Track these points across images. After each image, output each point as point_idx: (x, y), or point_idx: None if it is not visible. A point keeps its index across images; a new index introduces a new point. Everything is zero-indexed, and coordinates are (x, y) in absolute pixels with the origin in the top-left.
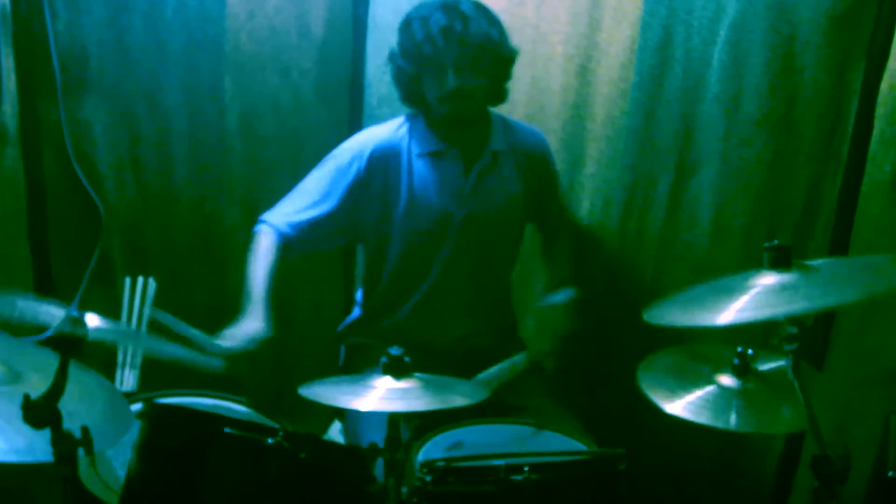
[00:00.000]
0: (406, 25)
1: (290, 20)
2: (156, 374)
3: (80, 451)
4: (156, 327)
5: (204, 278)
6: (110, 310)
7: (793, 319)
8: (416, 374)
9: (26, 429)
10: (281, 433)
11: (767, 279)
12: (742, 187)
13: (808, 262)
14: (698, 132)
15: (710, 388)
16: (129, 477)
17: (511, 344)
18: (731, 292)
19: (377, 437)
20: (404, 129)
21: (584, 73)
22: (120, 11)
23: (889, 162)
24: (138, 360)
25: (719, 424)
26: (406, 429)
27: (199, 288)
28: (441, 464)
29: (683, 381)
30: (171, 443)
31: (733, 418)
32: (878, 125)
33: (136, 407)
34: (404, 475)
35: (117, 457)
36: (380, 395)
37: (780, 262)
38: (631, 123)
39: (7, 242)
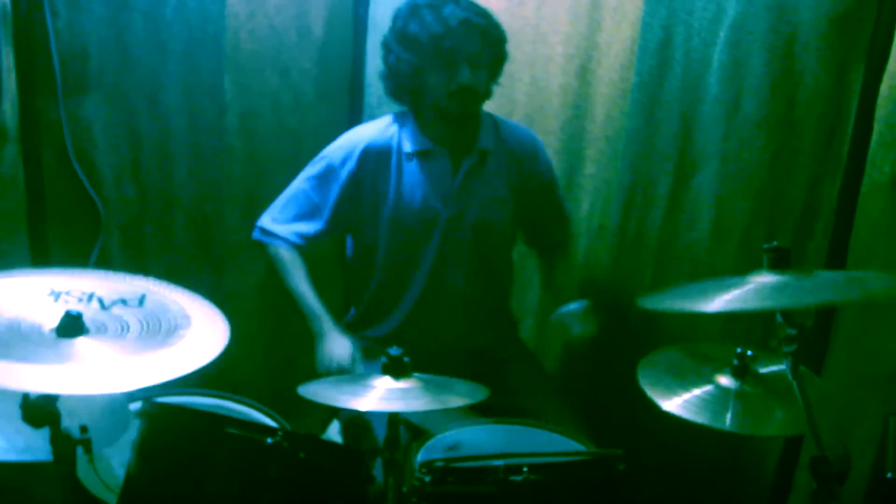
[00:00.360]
0: (412, 14)
1: (290, 20)
2: None
3: (79, 450)
4: None
5: (203, 277)
6: None
7: (792, 321)
8: (415, 374)
9: (26, 428)
10: (280, 433)
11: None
12: (742, 188)
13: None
14: (698, 133)
15: (707, 388)
16: (129, 476)
17: (510, 344)
18: (726, 287)
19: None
20: (394, 127)
21: (584, 73)
22: (120, 10)
23: (888, 163)
24: None
25: (715, 424)
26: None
27: (198, 287)
28: (440, 464)
29: (683, 380)
30: (171, 442)
31: (729, 419)
32: (878, 126)
33: (136, 406)
34: (403, 475)
35: (116, 456)
36: (379, 395)
37: (779, 262)
38: (631, 124)
39: (7, 241)
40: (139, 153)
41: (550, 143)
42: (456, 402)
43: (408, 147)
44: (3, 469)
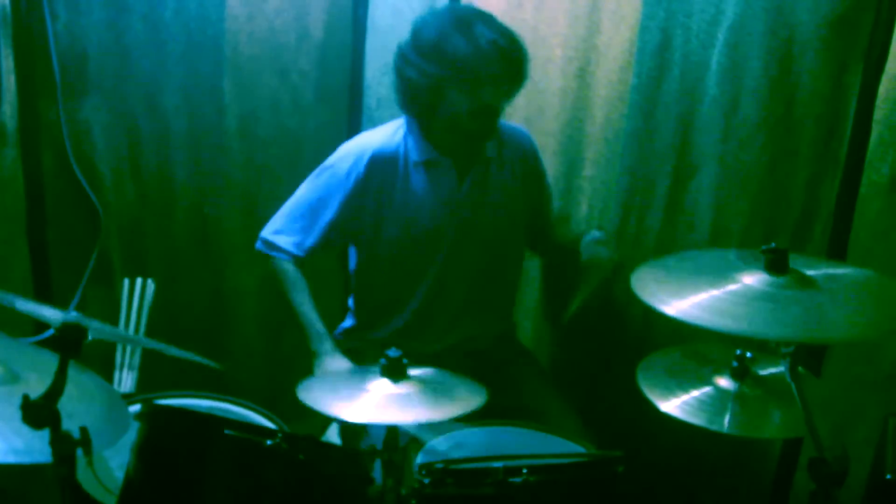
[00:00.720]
0: (439, 29)
1: (289, 22)
2: (154, 376)
3: (79, 452)
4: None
5: (203, 279)
6: (109, 310)
7: None
8: (413, 375)
9: (25, 429)
10: (279, 435)
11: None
12: (740, 190)
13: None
14: (697, 135)
15: (706, 390)
16: (128, 478)
17: (509, 347)
18: (715, 283)
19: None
20: (400, 135)
21: (582, 75)
22: (120, 12)
23: (887, 164)
24: (137, 361)
25: (712, 426)
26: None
27: (197, 289)
28: (439, 465)
29: (682, 381)
30: (170, 444)
31: (727, 421)
32: (877, 128)
33: (135, 408)
34: (403, 477)
35: (115, 458)
36: (377, 402)
37: (777, 264)
38: (630, 126)
39: (6, 243)
40: (139, 155)
41: (549, 145)
42: (455, 410)
43: (415, 156)
44: (3, 471)
